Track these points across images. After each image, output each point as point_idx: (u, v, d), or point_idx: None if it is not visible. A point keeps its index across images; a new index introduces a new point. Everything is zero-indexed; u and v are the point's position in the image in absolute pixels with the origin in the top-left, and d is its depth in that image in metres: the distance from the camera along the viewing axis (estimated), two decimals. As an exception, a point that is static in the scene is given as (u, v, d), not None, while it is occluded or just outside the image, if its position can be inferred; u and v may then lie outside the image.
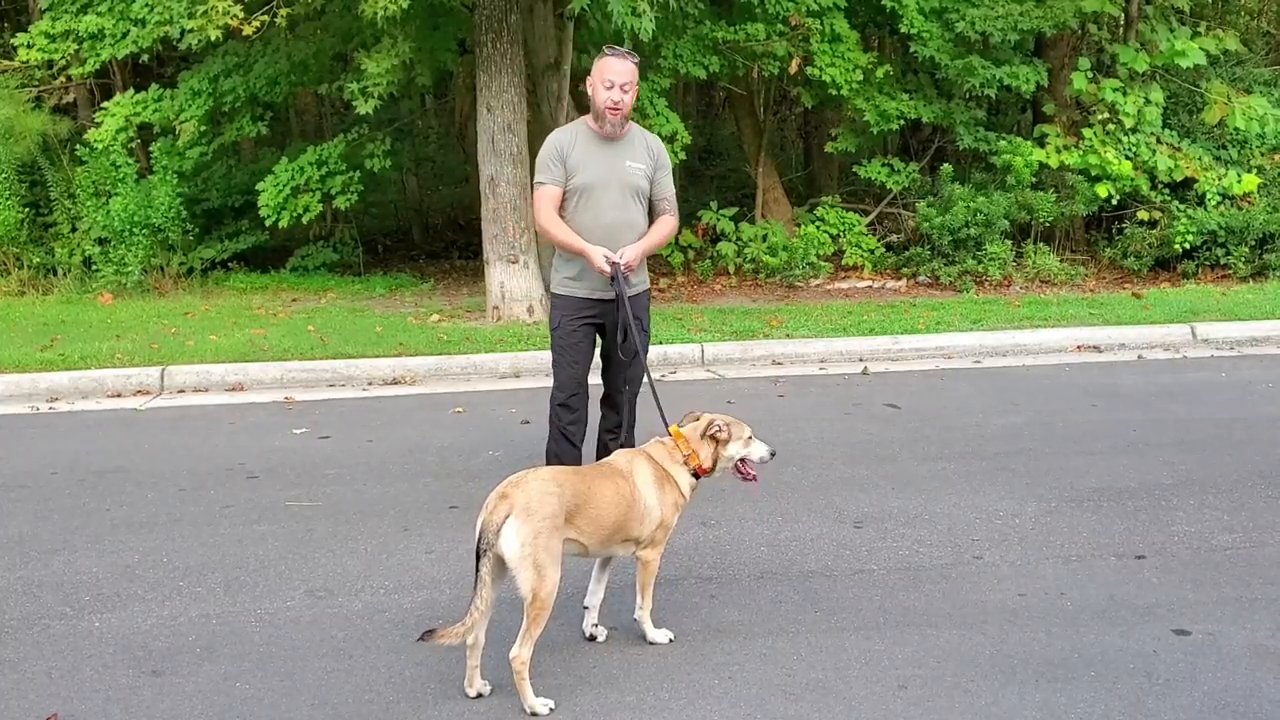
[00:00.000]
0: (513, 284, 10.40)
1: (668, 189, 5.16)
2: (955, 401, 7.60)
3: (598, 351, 5.25)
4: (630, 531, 3.83)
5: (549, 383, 5.24)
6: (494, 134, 10.30)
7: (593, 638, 4.01)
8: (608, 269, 4.78)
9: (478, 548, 3.46)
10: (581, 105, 11.55)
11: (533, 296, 10.45)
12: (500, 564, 3.48)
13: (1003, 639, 3.96)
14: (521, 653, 3.47)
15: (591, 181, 4.95)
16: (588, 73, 5.13)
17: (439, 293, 12.65)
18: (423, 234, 16.69)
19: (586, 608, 4.05)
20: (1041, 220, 12.44)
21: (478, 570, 3.44)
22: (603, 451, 5.14)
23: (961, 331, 9.58)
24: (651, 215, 5.17)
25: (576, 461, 4.94)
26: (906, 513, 5.30)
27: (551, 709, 3.48)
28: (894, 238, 13.43)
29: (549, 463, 5.00)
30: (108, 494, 5.79)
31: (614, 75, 4.88)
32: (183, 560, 4.84)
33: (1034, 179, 12.47)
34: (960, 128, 12.93)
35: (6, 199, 12.58)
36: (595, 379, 5.19)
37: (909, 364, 8.94)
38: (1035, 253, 12.41)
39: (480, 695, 3.59)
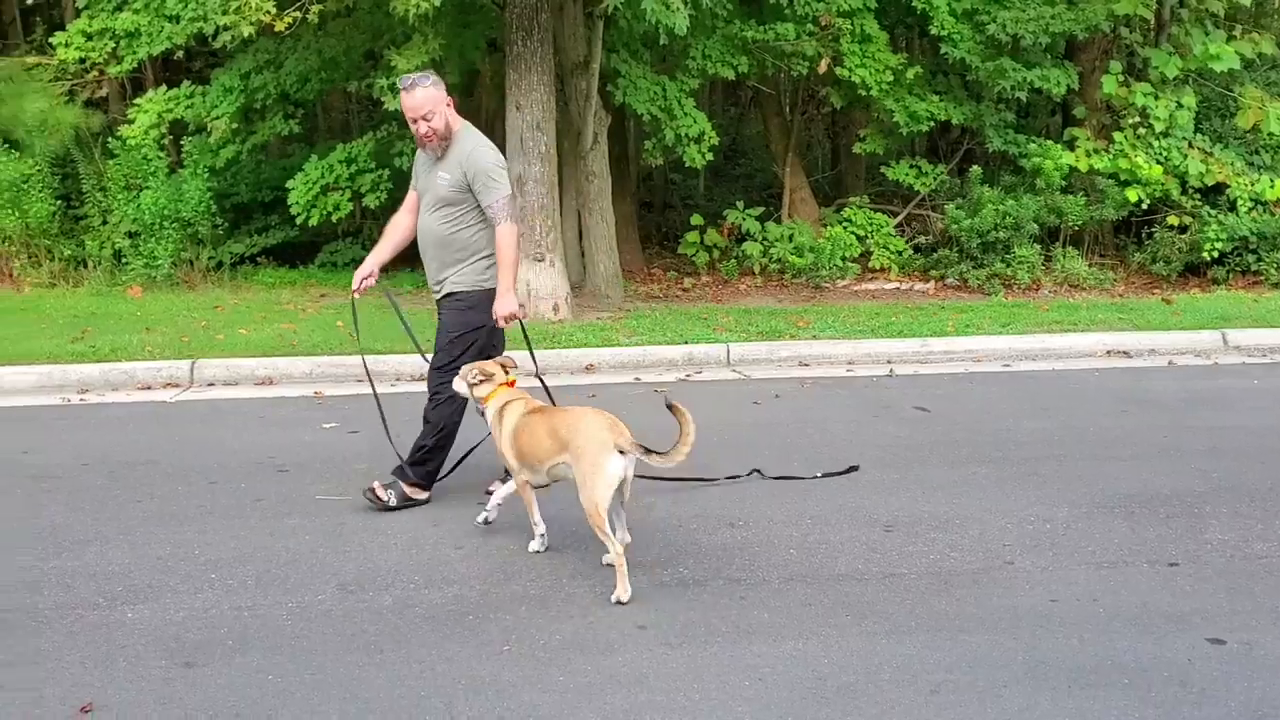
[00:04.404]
0: (539, 282, 10.40)
1: (489, 195, 5.18)
2: (985, 405, 7.56)
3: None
4: None
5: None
6: (523, 132, 10.32)
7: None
8: (503, 322, 5.31)
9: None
10: (609, 104, 11.56)
11: (558, 295, 10.46)
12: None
13: (1035, 645, 3.93)
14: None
15: (419, 191, 5.45)
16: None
17: (465, 290, 12.64)
18: (449, 231, 16.68)
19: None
20: (1070, 224, 12.35)
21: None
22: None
23: (990, 335, 9.52)
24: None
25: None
26: (937, 516, 5.27)
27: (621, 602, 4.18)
28: (922, 239, 13.34)
29: (452, 433, 5.44)
30: (139, 486, 5.84)
31: (408, 111, 5.17)
32: (214, 553, 4.87)
33: (1063, 182, 12.36)
34: (990, 130, 12.85)
35: (40, 191, 12.69)
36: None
37: (938, 366, 8.90)
38: (1064, 256, 12.32)
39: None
